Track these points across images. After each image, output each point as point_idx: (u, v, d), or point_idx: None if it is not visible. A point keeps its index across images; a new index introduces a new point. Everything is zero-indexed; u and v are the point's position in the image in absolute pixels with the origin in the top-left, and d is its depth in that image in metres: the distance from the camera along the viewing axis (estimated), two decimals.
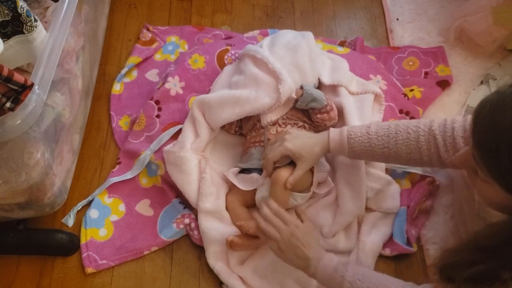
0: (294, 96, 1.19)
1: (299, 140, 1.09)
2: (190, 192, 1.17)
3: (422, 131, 1.01)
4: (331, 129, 1.11)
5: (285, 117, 1.21)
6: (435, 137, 0.99)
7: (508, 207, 0.76)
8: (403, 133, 1.02)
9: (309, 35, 1.32)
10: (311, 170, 1.14)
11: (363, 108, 1.27)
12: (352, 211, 1.15)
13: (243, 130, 1.27)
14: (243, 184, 1.15)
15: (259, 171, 1.15)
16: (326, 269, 0.96)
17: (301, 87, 1.19)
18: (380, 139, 1.04)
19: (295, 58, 1.24)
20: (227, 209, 1.16)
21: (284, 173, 1.08)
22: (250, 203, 1.18)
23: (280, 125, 1.20)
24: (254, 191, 1.16)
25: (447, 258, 0.82)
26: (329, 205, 1.19)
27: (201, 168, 1.19)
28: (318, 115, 1.19)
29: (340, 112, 1.25)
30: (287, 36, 1.31)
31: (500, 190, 0.74)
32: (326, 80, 1.28)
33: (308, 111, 1.21)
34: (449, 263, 0.80)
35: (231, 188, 1.20)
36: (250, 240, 1.10)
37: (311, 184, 1.14)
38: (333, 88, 1.29)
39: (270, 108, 1.19)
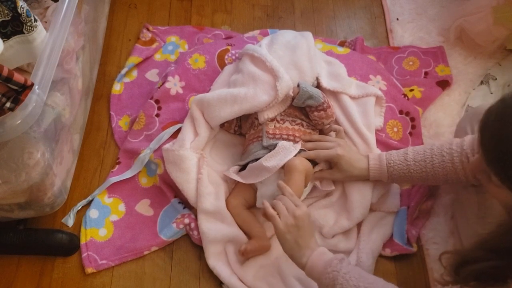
0: (291, 93, 1.19)
1: (350, 154, 1.15)
2: (189, 190, 1.17)
3: (456, 152, 1.04)
4: (370, 158, 1.14)
5: (283, 114, 1.21)
6: (467, 156, 1.02)
7: None
8: (438, 156, 1.06)
9: (309, 35, 1.32)
10: None
11: (367, 112, 1.27)
12: (358, 219, 1.16)
13: (243, 129, 1.27)
14: (245, 178, 1.15)
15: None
16: (319, 261, 0.94)
17: (298, 85, 1.19)
18: (418, 164, 1.08)
19: (294, 57, 1.24)
20: (231, 214, 1.16)
21: (298, 161, 1.10)
22: (252, 203, 1.18)
23: (278, 121, 1.20)
24: (254, 191, 1.17)
25: (457, 257, 0.82)
26: (330, 205, 1.20)
27: (199, 167, 1.19)
28: (315, 113, 1.19)
29: (346, 119, 1.26)
30: (286, 35, 1.31)
31: None
32: (325, 83, 1.28)
33: (305, 109, 1.21)
34: (459, 262, 0.81)
35: (232, 190, 1.20)
36: (260, 243, 1.11)
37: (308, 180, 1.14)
38: (335, 96, 1.28)
39: (268, 105, 1.19)
